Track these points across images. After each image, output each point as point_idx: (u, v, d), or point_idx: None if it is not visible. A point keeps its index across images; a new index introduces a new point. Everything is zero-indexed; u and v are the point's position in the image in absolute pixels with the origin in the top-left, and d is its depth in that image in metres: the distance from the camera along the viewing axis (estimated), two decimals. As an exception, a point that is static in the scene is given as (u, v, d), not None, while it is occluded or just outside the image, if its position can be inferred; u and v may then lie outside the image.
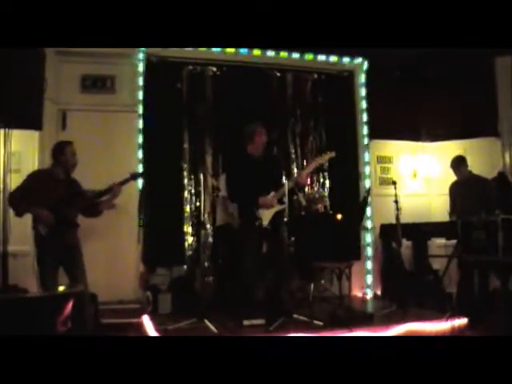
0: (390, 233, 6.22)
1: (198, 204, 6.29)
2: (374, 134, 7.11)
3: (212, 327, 4.29)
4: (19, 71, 5.64)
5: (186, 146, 6.37)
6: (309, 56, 6.84)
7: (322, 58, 6.92)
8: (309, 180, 6.72)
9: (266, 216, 4.81)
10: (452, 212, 5.98)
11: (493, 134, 7.00)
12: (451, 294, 5.89)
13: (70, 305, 2.94)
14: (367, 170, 7.02)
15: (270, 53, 6.64)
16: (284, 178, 5.61)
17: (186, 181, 6.33)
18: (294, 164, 6.81)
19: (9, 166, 4.45)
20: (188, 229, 6.28)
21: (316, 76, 7.04)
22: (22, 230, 4.46)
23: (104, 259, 5.87)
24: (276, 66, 6.86)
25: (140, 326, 4.96)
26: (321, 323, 4.45)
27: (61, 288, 4.16)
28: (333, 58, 6.97)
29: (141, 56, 6.22)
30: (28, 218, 4.40)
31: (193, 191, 6.34)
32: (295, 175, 6.25)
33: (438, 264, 6.35)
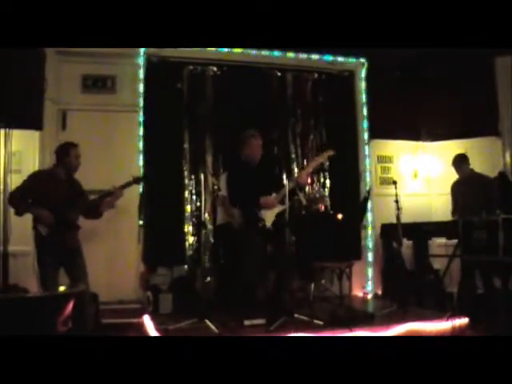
0: (390, 232, 6.22)
1: (198, 204, 6.28)
2: (375, 134, 7.11)
3: (213, 327, 4.29)
4: (19, 71, 5.65)
5: (186, 145, 6.37)
6: (313, 56, 6.85)
7: (322, 57, 6.92)
8: (309, 180, 6.72)
9: (268, 217, 4.84)
10: (454, 211, 5.97)
11: (493, 134, 7.00)
12: (452, 294, 5.88)
13: (70, 305, 2.94)
14: (367, 169, 7.01)
15: (271, 52, 6.64)
16: (284, 178, 5.61)
17: (186, 181, 6.34)
18: (295, 164, 6.81)
19: (9, 166, 4.44)
20: (189, 229, 6.28)
21: (316, 76, 7.04)
22: (22, 230, 4.45)
23: (104, 259, 5.87)
24: (276, 66, 6.86)
25: (141, 326, 4.95)
26: (321, 323, 4.45)
27: (61, 288, 4.16)
28: (333, 58, 6.97)
29: (141, 56, 6.22)
30: (28, 218, 4.41)
31: (193, 191, 6.34)
32: (296, 175, 6.26)
33: (438, 264, 6.35)
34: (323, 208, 6.71)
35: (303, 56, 6.82)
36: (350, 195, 6.82)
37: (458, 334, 4.49)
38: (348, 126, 7.09)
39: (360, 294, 6.70)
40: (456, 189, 6.06)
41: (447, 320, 4.59)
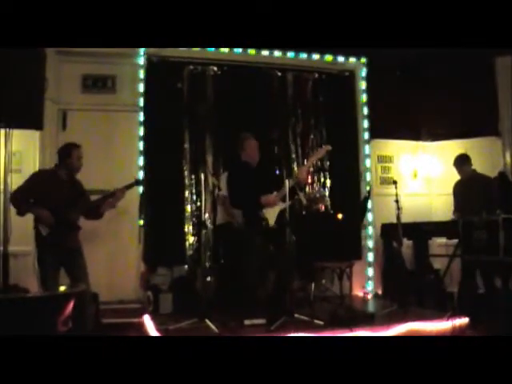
0: (390, 232, 6.21)
1: (198, 204, 6.28)
2: (375, 134, 7.11)
3: (213, 327, 4.29)
4: (20, 71, 5.64)
5: (186, 145, 6.37)
6: (313, 56, 6.86)
7: (322, 57, 6.93)
8: (309, 179, 6.73)
9: (271, 215, 4.86)
10: (456, 211, 5.96)
11: (493, 134, 6.99)
12: (452, 294, 5.88)
13: (70, 305, 2.94)
14: (368, 169, 7.02)
15: (271, 52, 6.64)
16: (285, 177, 5.61)
17: (186, 180, 6.34)
18: (295, 163, 6.80)
19: (9, 165, 4.44)
20: (189, 228, 6.28)
21: (317, 75, 7.05)
22: (22, 230, 4.45)
23: (105, 259, 5.87)
24: (277, 66, 6.87)
25: (141, 325, 4.96)
26: (321, 323, 4.45)
27: (61, 288, 4.16)
28: (334, 58, 6.98)
29: (141, 56, 6.22)
30: (29, 218, 4.41)
31: (194, 191, 6.35)
32: (295, 172, 6.27)
33: (438, 263, 6.35)
34: (323, 208, 6.71)
35: (303, 56, 6.81)
36: (351, 195, 6.82)
37: (458, 333, 4.49)
38: (348, 125, 7.09)
39: (360, 293, 6.70)
40: (458, 189, 6.05)
41: (447, 320, 4.59)
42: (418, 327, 4.53)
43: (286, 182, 4.70)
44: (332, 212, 6.64)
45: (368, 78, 7.08)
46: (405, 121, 7.11)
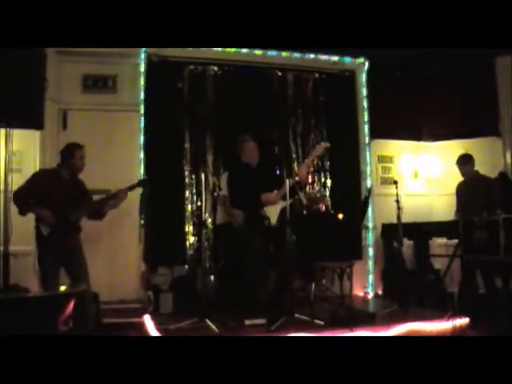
0: (391, 232, 6.22)
1: (199, 203, 6.29)
2: (375, 134, 7.11)
3: (213, 327, 4.29)
4: (20, 71, 5.65)
5: (187, 145, 6.38)
6: (313, 56, 6.86)
7: (323, 57, 6.93)
8: (310, 179, 6.73)
9: (272, 214, 4.86)
10: (458, 212, 5.94)
11: (494, 134, 6.99)
12: (452, 294, 5.88)
13: (71, 304, 2.94)
14: (368, 169, 7.02)
15: (271, 52, 6.64)
16: (285, 176, 5.61)
17: (187, 180, 6.34)
18: (296, 163, 6.80)
19: (10, 165, 4.44)
20: (189, 228, 6.29)
21: (317, 75, 7.05)
22: (23, 230, 4.45)
23: (105, 259, 5.88)
24: (277, 66, 6.87)
25: (141, 325, 4.95)
26: (322, 323, 4.45)
27: (62, 288, 4.16)
28: (334, 58, 6.98)
29: (142, 56, 6.22)
30: (29, 218, 4.41)
31: (194, 191, 6.35)
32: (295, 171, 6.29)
33: (439, 263, 6.35)
34: (324, 208, 6.72)
35: (304, 56, 6.81)
36: (351, 195, 6.82)
37: (458, 334, 4.49)
38: (349, 125, 7.09)
39: (361, 293, 6.70)
40: (461, 190, 6.01)
41: (448, 320, 4.59)
42: (419, 327, 4.53)
43: (287, 181, 4.71)
44: (332, 212, 6.65)
45: (368, 78, 7.08)
46: (405, 121, 7.11)
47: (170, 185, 6.20)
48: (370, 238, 6.85)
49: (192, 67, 6.51)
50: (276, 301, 4.74)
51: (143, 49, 6.17)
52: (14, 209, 4.27)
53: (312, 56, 6.86)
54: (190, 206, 6.31)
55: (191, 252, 6.22)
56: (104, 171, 5.79)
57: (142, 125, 6.14)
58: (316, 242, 5.41)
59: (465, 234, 5.30)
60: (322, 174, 6.93)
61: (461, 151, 6.06)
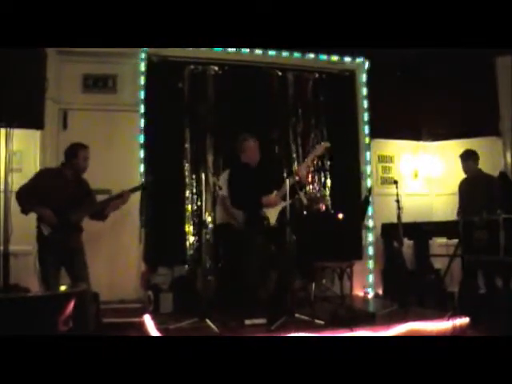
0: (391, 232, 6.22)
1: (199, 203, 6.29)
2: (375, 134, 7.11)
3: (213, 327, 4.29)
4: (20, 71, 5.65)
5: (187, 145, 6.38)
6: (313, 56, 6.86)
7: (323, 57, 6.93)
8: (310, 179, 6.73)
9: (272, 215, 4.86)
10: (460, 211, 5.89)
11: (494, 134, 6.99)
12: (453, 294, 5.88)
13: (71, 304, 2.94)
14: (368, 169, 7.02)
15: (272, 52, 6.65)
16: (285, 176, 5.62)
17: (187, 180, 6.34)
18: (295, 163, 6.80)
19: (10, 165, 4.44)
20: (189, 228, 6.29)
21: (317, 75, 7.05)
22: (23, 230, 4.46)
23: (105, 258, 5.88)
24: (277, 66, 6.87)
25: (141, 325, 4.96)
26: (322, 323, 4.45)
27: (62, 287, 4.16)
28: (334, 58, 6.98)
29: (142, 55, 6.23)
30: (29, 218, 4.41)
31: (194, 190, 6.35)
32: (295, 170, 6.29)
33: (439, 263, 6.35)
34: (324, 208, 6.72)
35: (304, 56, 6.81)
36: (351, 195, 6.82)
37: (458, 333, 4.49)
38: (349, 125, 7.09)
39: (361, 293, 6.70)
40: (463, 188, 5.99)
41: (448, 320, 4.59)
42: (419, 327, 4.53)
43: (287, 181, 4.71)
44: (332, 212, 6.65)
45: (368, 78, 7.08)
46: (405, 121, 7.11)
47: (170, 185, 6.19)
48: (370, 237, 6.85)
49: (192, 67, 6.50)
50: (276, 301, 4.74)
51: (143, 49, 6.17)
52: (14, 208, 4.27)
53: (312, 56, 6.86)
54: (189, 206, 6.31)
55: (191, 252, 6.22)
56: (104, 171, 5.78)
57: (142, 125, 6.14)
58: (316, 242, 5.42)
59: (465, 233, 5.30)
60: (322, 174, 6.93)
61: (461, 151, 6.05)
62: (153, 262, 5.96)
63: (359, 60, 7.07)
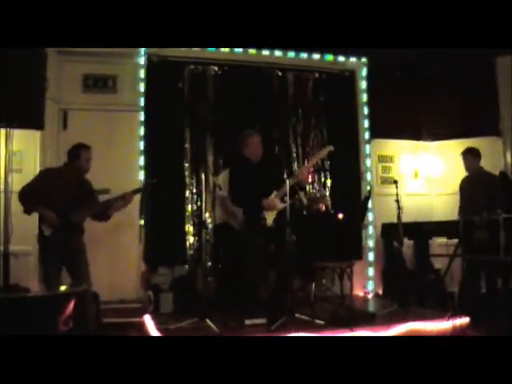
0: (391, 232, 6.22)
1: (199, 203, 6.29)
2: (375, 133, 7.11)
3: (213, 327, 4.29)
4: (21, 71, 5.65)
5: (187, 145, 6.38)
6: (313, 56, 6.86)
7: (323, 57, 6.94)
8: (310, 179, 6.73)
9: (269, 215, 4.84)
10: (461, 210, 5.86)
11: (494, 134, 6.99)
12: (453, 294, 5.88)
13: (71, 304, 2.94)
14: (368, 169, 7.02)
15: (272, 52, 6.65)
16: (285, 176, 5.62)
17: (187, 180, 6.34)
18: (296, 163, 6.80)
19: (10, 165, 4.44)
20: (190, 228, 6.29)
21: (317, 75, 7.05)
22: (23, 230, 4.46)
23: (106, 258, 5.87)
24: (277, 66, 6.87)
25: (141, 325, 4.96)
26: (322, 323, 4.44)
27: (62, 287, 4.16)
28: (334, 58, 6.98)
29: (142, 55, 6.23)
30: (29, 218, 4.41)
31: (194, 190, 6.35)
32: (296, 172, 6.27)
33: (439, 263, 6.35)
34: (324, 208, 6.72)
35: (304, 55, 6.81)
36: (351, 195, 6.82)
37: (458, 333, 4.49)
38: (349, 125, 7.09)
39: (361, 293, 6.70)
40: (464, 186, 5.97)
41: (448, 320, 4.59)
42: (419, 327, 4.52)
43: (287, 181, 4.70)
44: (332, 212, 6.65)
45: (368, 78, 7.08)
46: (405, 121, 7.11)
47: (170, 185, 6.19)
48: (371, 237, 6.85)
49: (192, 67, 6.51)
50: (276, 301, 4.73)
51: (143, 49, 6.17)
52: (14, 208, 4.27)
53: (312, 56, 6.86)
54: (189, 206, 6.32)
55: (191, 252, 6.22)
56: (104, 171, 5.78)
57: (143, 125, 6.15)
58: (316, 242, 5.42)
59: (465, 233, 5.30)
60: (322, 174, 6.93)
61: (461, 151, 6.04)
62: (153, 261, 5.97)
63: (359, 60, 7.06)
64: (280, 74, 6.90)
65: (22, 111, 5.41)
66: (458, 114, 7.02)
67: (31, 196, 4.29)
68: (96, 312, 4.81)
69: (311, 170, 6.52)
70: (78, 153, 4.53)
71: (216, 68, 6.60)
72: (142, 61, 6.24)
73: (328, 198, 6.83)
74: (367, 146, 7.08)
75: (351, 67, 7.16)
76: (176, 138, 6.33)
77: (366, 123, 7.08)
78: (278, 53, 6.68)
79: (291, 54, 6.75)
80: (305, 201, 5.03)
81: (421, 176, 7.35)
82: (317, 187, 6.89)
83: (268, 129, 6.62)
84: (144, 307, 5.52)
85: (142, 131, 6.14)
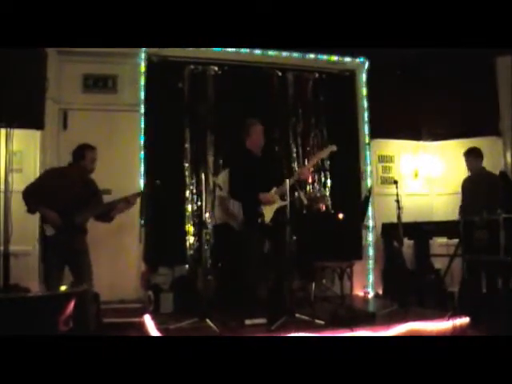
0: (391, 232, 6.22)
1: (199, 203, 6.29)
2: (376, 134, 7.11)
3: (214, 327, 4.29)
4: (21, 71, 5.65)
5: (187, 145, 6.38)
6: (313, 56, 6.86)
7: (323, 57, 6.93)
8: (310, 179, 6.72)
9: (268, 213, 4.81)
10: (462, 210, 5.81)
11: (494, 134, 6.99)
12: (453, 294, 5.88)
13: (71, 304, 2.94)
14: (368, 169, 7.02)
15: (272, 52, 6.65)
16: (285, 175, 5.61)
17: (187, 180, 6.34)
18: (296, 163, 6.81)
19: (10, 165, 4.44)
20: (190, 228, 6.29)
21: (317, 75, 7.06)
22: (23, 230, 4.46)
23: (106, 258, 5.86)
24: (277, 66, 6.87)
25: (142, 325, 4.96)
26: (322, 323, 4.44)
27: (63, 287, 4.16)
28: (334, 58, 6.98)
29: (142, 55, 6.22)
30: (29, 218, 4.41)
31: (194, 190, 6.35)
32: (297, 171, 6.26)
33: (439, 263, 6.35)
34: (324, 207, 6.72)
35: (304, 55, 6.81)
36: (351, 195, 6.82)
37: (458, 333, 4.49)
38: (349, 125, 7.09)
39: (361, 293, 6.70)
40: (465, 186, 5.95)
41: (448, 320, 4.59)
42: (419, 327, 4.52)
43: (287, 181, 4.68)
44: (333, 212, 6.65)
45: (368, 78, 7.09)
46: (405, 121, 7.11)
47: (170, 185, 6.18)
48: (370, 237, 6.85)
49: (192, 67, 6.51)
50: (276, 301, 4.73)
51: (143, 49, 6.17)
52: (14, 208, 4.27)
53: (312, 56, 6.86)
54: (190, 206, 6.32)
55: (191, 252, 6.22)
56: (104, 171, 5.77)
57: (142, 125, 6.14)
58: (316, 242, 5.42)
59: (465, 233, 5.30)
60: (322, 174, 6.93)
61: (461, 151, 6.04)
62: (153, 261, 5.97)
63: (359, 60, 7.07)
64: (280, 74, 6.90)
65: (22, 111, 5.41)
66: (458, 114, 7.02)
67: (35, 196, 4.28)
68: (96, 312, 4.81)
69: (311, 169, 6.52)
70: (83, 153, 4.52)
71: (216, 68, 6.60)
72: (142, 61, 6.23)
73: (328, 198, 6.83)
74: (367, 146, 7.06)
75: (351, 67, 7.16)
76: (176, 137, 6.33)
77: (366, 123, 7.07)
78: (277, 53, 6.67)
79: (291, 54, 6.74)
80: (305, 201, 5.03)
81: (421, 176, 7.35)
82: (317, 187, 6.89)
83: (268, 129, 6.60)
84: (144, 307, 5.52)
85: (142, 131, 6.13)
